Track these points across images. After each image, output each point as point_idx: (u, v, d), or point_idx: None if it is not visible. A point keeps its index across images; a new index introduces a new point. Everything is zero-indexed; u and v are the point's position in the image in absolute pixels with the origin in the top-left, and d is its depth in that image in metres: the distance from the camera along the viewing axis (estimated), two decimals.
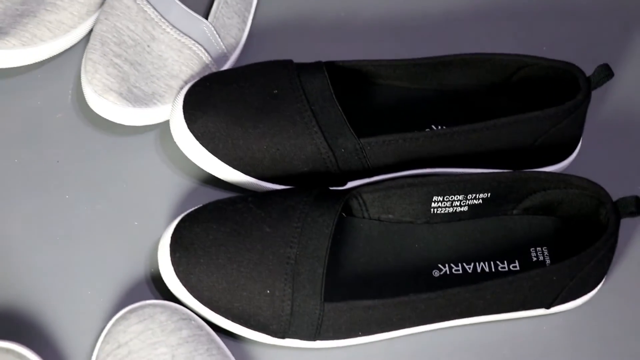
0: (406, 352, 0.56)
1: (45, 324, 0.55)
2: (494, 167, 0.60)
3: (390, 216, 0.58)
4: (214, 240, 0.53)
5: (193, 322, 0.52)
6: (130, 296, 0.57)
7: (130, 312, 0.52)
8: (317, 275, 0.52)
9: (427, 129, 0.61)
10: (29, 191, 0.60)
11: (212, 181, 0.60)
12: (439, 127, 0.62)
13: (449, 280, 0.57)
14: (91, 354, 0.53)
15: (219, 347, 0.52)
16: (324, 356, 0.55)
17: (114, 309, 0.56)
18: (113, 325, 0.52)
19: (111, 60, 0.60)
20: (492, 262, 0.58)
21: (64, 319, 0.56)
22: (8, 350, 0.50)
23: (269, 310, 0.53)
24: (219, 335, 0.53)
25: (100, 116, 0.61)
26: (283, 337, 0.54)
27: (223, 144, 0.58)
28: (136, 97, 0.60)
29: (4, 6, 0.61)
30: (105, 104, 0.59)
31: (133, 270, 0.58)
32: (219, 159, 0.58)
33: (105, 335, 0.52)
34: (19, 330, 0.55)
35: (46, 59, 0.63)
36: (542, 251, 0.59)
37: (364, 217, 0.58)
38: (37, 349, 0.52)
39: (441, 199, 0.58)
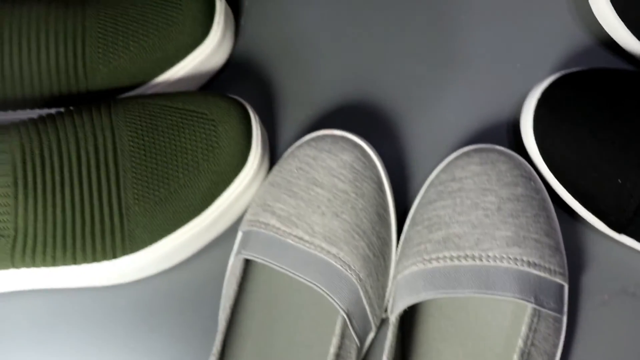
0: None
1: (399, 133, 0.57)
2: None
3: None
4: (584, 111, 0.50)
5: (532, 183, 0.50)
6: (481, 135, 0.56)
7: (475, 151, 0.51)
8: None
9: None
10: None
11: (612, 45, 0.55)
12: None
13: None
14: (427, 177, 0.54)
15: (548, 217, 0.50)
16: None
17: (463, 140, 0.56)
18: (455, 157, 0.52)
19: None
20: None
21: (417, 133, 0.57)
22: (356, 145, 0.52)
23: (613, 200, 0.49)
24: (554, 208, 0.51)
25: None
26: (619, 232, 0.50)
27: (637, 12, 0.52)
28: None
29: None
30: None
31: (495, 110, 0.56)
32: (626, 26, 0.53)
33: (446, 165, 0.52)
34: (369, 128, 0.57)
35: None
36: None
37: None
38: (380, 150, 0.54)
39: None
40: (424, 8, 0.60)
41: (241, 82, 0.60)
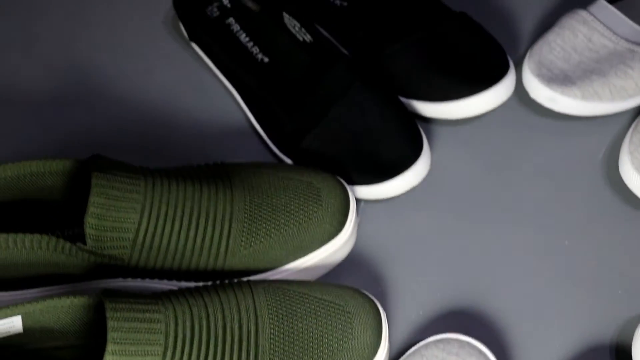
0: None
1: (506, 339, 0.61)
2: None
3: None
4: None
5: None
6: (585, 354, 0.60)
7: None
8: None
9: None
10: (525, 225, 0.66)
11: None
12: None
13: None
14: None
15: None
16: None
17: (568, 356, 0.59)
18: None
19: None
20: None
21: (524, 341, 0.60)
22: (481, 352, 0.56)
23: None
24: None
25: (624, 185, 0.64)
26: None
27: None
28: None
29: (580, 59, 0.67)
30: (638, 180, 0.62)
31: (597, 331, 0.61)
32: None
33: None
34: (478, 333, 0.59)
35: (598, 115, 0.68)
36: None
37: None
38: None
39: None
40: (525, 225, 0.65)
41: (355, 276, 0.64)
